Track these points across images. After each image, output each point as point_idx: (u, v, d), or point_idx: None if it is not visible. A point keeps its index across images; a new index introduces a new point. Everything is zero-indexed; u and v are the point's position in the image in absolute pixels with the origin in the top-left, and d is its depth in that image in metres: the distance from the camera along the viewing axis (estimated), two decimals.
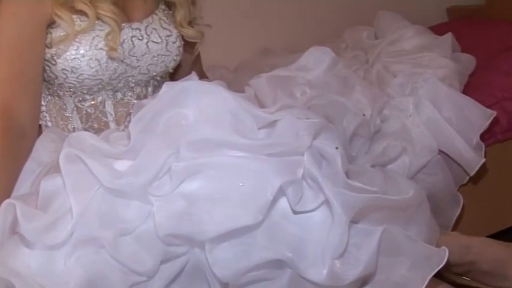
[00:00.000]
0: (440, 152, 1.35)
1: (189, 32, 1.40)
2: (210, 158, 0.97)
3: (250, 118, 1.01)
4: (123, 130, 1.26)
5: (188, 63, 1.49)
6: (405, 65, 1.49)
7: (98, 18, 1.26)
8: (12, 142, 1.16)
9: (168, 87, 1.05)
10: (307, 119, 1.01)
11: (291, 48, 2.17)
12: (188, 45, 1.45)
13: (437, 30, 1.80)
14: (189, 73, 1.39)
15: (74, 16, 1.25)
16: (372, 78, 1.53)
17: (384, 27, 1.78)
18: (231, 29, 2.03)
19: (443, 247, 1.01)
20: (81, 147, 1.02)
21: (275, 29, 2.32)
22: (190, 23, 1.42)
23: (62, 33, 1.24)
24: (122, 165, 1.01)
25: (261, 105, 1.12)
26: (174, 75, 1.46)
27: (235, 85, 1.48)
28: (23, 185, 1.16)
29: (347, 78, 1.25)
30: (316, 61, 1.23)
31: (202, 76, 1.59)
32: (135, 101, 1.33)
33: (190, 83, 1.04)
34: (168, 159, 0.97)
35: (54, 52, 1.25)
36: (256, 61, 2.06)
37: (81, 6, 1.24)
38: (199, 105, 1.02)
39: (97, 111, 1.32)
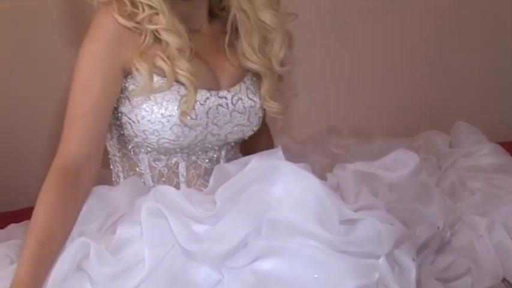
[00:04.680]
0: (504, 279, 1.33)
1: (271, 108, 1.33)
2: (288, 244, 0.97)
3: (334, 210, 1.01)
4: None
5: (263, 134, 1.47)
6: (482, 183, 1.48)
7: (176, 79, 1.20)
8: (67, 182, 1.13)
9: (258, 162, 1.06)
10: (391, 224, 1.02)
11: (355, 131, 2.18)
12: (268, 117, 1.41)
13: (505, 147, 1.78)
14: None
15: (154, 75, 1.20)
16: (444, 187, 1.52)
17: (461, 138, 1.77)
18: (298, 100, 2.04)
19: None
20: (164, 202, 1.04)
21: (344, 107, 2.32)
22: (274, 96, 1.33)
23: (140, 86, 1.20)
24: (199, 227, 1.02)
25: (342, 197, 1.12)
26: (246, 141, 1.39)
27: (302, 159, 1.48)
28: (91, 224, 1.15)
29: (428, 186, 1.25)
30: (401, 163, 1.23)
31: (271, 146, 1.57)
32: (207, 164, 1.31)
33: (282, 164, 1.05)
34: (248, 234, 0.98)
35: (138, 112, 1.22)
36: (323, 138, 2.07)
37: (159, 62, 1.19)
38: (287, 186, 1.03)
39: (170, 172, 1.29)
